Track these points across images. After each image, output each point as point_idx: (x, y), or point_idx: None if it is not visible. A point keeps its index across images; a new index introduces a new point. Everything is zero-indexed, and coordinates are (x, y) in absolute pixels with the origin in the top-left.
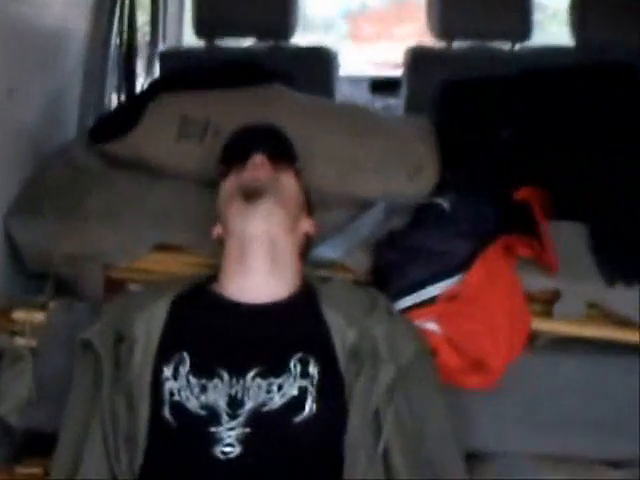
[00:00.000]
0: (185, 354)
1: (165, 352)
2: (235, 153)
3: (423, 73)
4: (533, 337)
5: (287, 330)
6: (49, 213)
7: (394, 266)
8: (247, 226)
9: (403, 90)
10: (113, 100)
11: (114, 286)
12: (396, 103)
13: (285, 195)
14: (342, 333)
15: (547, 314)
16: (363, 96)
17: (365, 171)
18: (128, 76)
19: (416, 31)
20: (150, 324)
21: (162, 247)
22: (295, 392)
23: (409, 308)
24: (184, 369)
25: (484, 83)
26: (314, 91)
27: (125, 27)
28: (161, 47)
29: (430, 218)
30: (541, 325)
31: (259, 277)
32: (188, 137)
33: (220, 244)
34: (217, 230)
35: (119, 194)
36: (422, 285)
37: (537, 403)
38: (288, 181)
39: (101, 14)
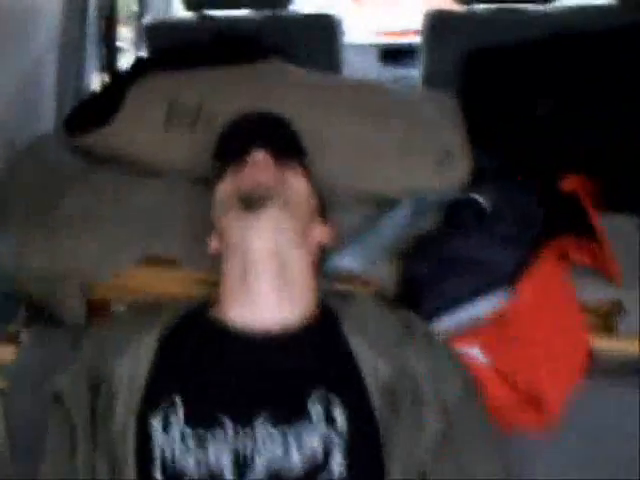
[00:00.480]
0: (177, 398)
1: (153, 398)
2: (231, 149)
3: (444, 40)
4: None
5: (303, 364)
6: (15, 222)
7: (426, 280)
8: (249, 241)
9: (421, 60)
10: (96, 82)
11: (96, 308)
12: (407, 73)
13: (294, 199)
14: (373, 367)
15: (607, 329)
16: (371, 66)
17: (385, 162)
18: (109, 53)
19: None
20: (134, 366)
21: (152, 260)
22: (316, 444)
23: (445, 332)
24: (176, 417)
25: (515, 49)
26: (318, 64)
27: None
28: (147, 19)
29: (467, 219)
30: (601, 344)
31: (267, 301)
32: (177, 125)
33: (218, 260)
34: (213, 243)
35: (98, 197)
36: (460, 303)
37: (601, 442)
38: (297, 181)
39: None
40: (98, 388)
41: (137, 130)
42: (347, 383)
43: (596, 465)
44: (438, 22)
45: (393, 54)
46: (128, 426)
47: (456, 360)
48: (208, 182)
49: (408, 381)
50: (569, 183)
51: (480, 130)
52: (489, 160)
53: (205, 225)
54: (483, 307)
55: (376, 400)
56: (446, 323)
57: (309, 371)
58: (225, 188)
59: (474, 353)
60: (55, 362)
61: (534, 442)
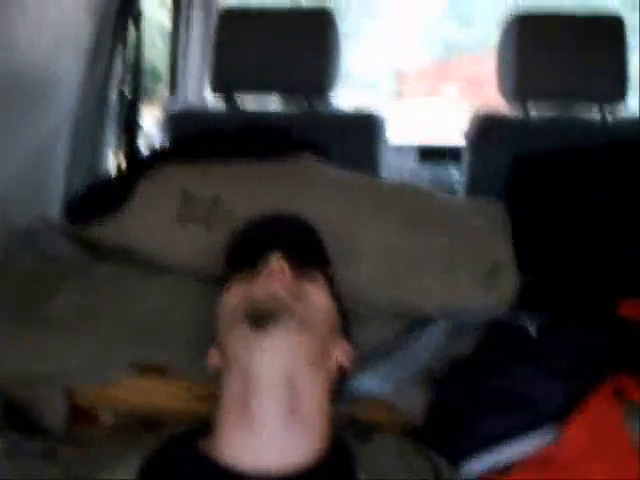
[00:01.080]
0: None
1: None
2: (244, 254)
3: (492, 145)
4: None
5: None
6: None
7: (460, 413)
8: (255, 365)
9: (465, 165)
10: (112, 164)
11: (81, 416)
12: (447, 174)
13: (311, 317)
14: None
15: None
16: (409, 164)
17: (425, 273)
18: (130, 137)
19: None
20: None
21: (144, 369)
22: None
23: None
24: None
25: (570, 157)
26: (355, 164)
27: (128, 75)
28: (174, 106)
29: (511, 347)
30: None
31: (271, 435)
32: (191, 220)
33: (217, 379)
34: (213, 358)
35: (95, 294)
36: (498, 442)
37: None
38: (316, 295)
39: (98, 57)
40: None
41: (145, 223)
42: None
43: None
44: (486, 126)
45: (432, 154)
46: None
47: None
48: (219, 285)
49: None
50: (629, 308)
51: (528, 245)
52: (538, 278)
53: (208, 333)
54: (523, 448)
55: None
56: (479, 465)
57: None
58: (232, 298)
59: None
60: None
61: None
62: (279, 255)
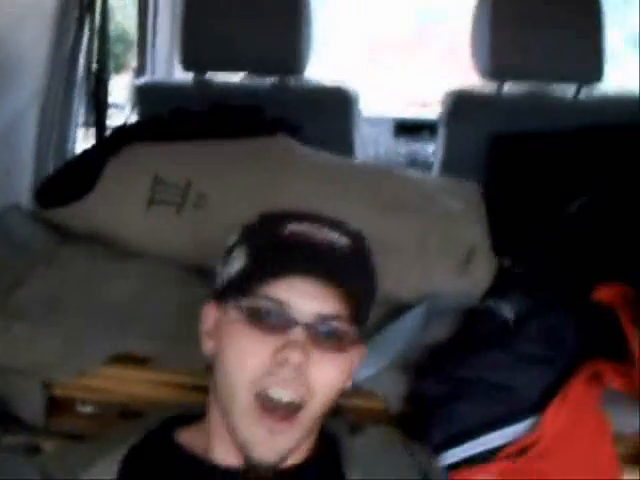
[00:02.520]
0: None
1: None
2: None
3: (466, 123)
4: None
5: None
6: None
7: (438, 403)
8: (255, 448)
9: (440, 143)
10: (82, 143)
11: (59, 407)
12: (423, 149)
13: (319, 403)
14: None
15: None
16: (385, 139)
17: (400, 260)
18: (98, 110)
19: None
20: None
21: (123, 358)
22: None
23: (458, 464)
24: None
25: (545, 139)
26: (329, 139)
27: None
28: (139, 80)
29: (488, 334)
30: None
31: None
32: (161, 204)
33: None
34: (208, 345)
35: (67, 281)
36: (478, 432)
37: None
38: (326, 373)
39: (65, 28)
40: None
41: (115, 208)
42: None
43: None
44: (460, 103)
45: (408, 128)
46: None
47: None
48: (196, 268)
49: None
50: (605, 293)
51: (505, 229)
52: (514, 263)
53: (187, 318)
54: (502, 438)
55: None
56: (460, 454)
57: None
58: (247, 359)
59: None
60: (9, 473)
61: None
62: (303, 334)
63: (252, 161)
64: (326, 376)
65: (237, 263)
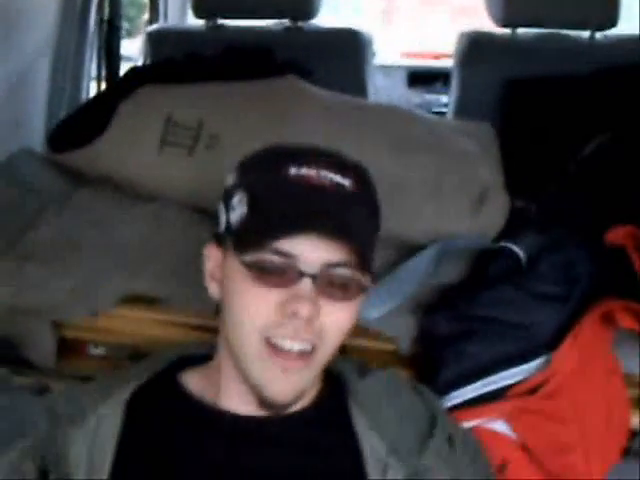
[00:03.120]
0: None
1: None
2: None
3: (480, 66)
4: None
5: (301, 463)
6: None
7: (449, 342)
8: (269, 388)
9: (454, 86)
10: (94, 93)
11: (71, 349)
12: (436, 99)
13: (330, 345)
14: (382, 470)
15: None
16: (398, 89)
17: (413, 201)
18: (110, 62)
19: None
20: (95, 441)
21: (134, 299)
22: None
23: (469, 402)
24: None
25: (560, 82)
26: (341, 85)
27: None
28: (153, 26)
29: (501, 273)
30: None
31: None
32: (174, 146)
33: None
34: (213, 288)
35: (78, 224)
36: (489, 371)
37: None
38: (337, 319)
39: None
40: (48, 473)
41: (127, 150)
42: None
43: None
44: (474, 45)
45: (422, 78)
46: None
47: (482, 466)
48: (206, 211)
49: None
50: (617, 234)
51: (519, 170)
52: (528, 204)
53: (198, 261)
54: (513, 377)
55: None
56: (469, 393)
57: (308, 471)
58: (259, 293)
59: (499, 426)
60: (18, 413)
61: None
62: (311, 286)
63: (263, 101)
64: (336, 322)
65: (238, 211)
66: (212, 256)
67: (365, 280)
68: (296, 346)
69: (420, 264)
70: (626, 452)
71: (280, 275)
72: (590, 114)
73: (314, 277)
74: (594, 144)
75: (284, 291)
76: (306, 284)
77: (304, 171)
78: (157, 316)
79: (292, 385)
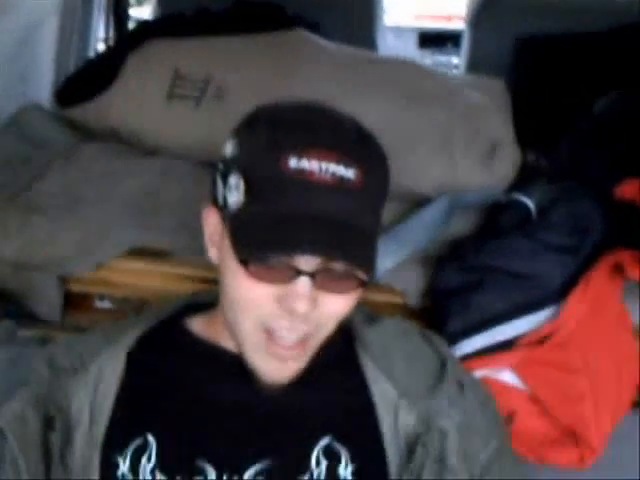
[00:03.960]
0: (151, 438)
1: (120, 434)
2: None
3: (492, 25)
4: None
5: (309, 405)
6: None
7: (458, 292)
8: (265, 374)
9: (465, 46)
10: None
11: (77, 302)
12: (448, 61)
13: (326, 330)
14: (393, 414)
15: None
16: (409, 51)
17: (423, 153)
18: (118, 20)
19: None
20: (97, 390)
21: (140, 252)
22: None
23: (477, 352)
24: (148, 461)
25: (572, 39)
26: (351, 42)
27: None
28: None
29: (511, 224)
30: None
31: None
32: (181, 98)
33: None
34: (214, 254)
35: (85, 177)
36: (498, 321)
37: None
38: (334, 308)
39: None
40: (52, 421)
41: (134, 103)
42: (359, 432)
43: None
44: (486, 4)
45: (433, 39)
46: (91, 465)
47: (492, 412)
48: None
49: (434, 439)
50: (627, 189)
51: (531, 124)
52: (538, 158)
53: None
54: (523, 327)
55: (393, 455)
56: (477, 343)
57: (315, 415)
58: (257, 287)
59: (507, 376)
60: (17, 368)
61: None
62: (309, 284)
63: (272, 54)
64: (334, 312)
65: (235, 195)
66: (211, 220)
67: (365, 275)
68: (294, 337)
69: (430, 217)
70: (636, 405)
71: (277, 272)
72: (603, 71)
73: (312, 275)
74: (606, 99)
75: (282, 287)
76: (304, 282)
77: (305, 164)
78: (163, 269)
79: (288, 371)
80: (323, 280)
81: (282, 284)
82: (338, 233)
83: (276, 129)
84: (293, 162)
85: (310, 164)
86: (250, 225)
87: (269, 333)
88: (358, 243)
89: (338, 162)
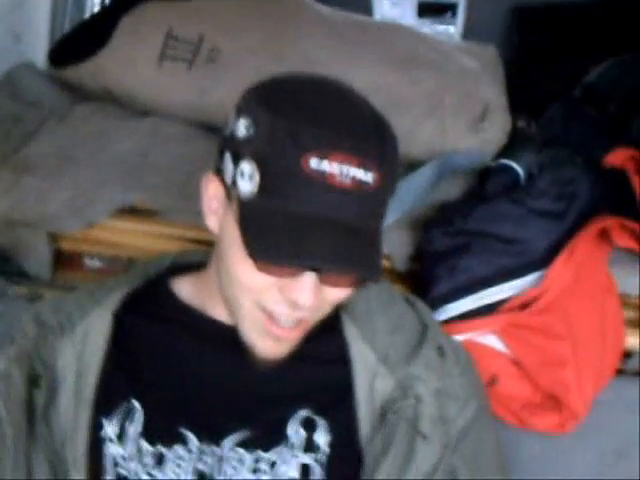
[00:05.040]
0: (136, 404)
1: (106, 397)
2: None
3: None
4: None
5: (291, 376)
6: None
7: (445, 256)
8: (261, 351)
9: (460, 15)
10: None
11: (67, 261)
12: (446, 31)
13: (323, 312)
14: (370, 379)
15: None
16: (407, 20)
17: (413, 116)
18: None
19: None
20: (83, 351)
21: (130, 211)
22: (293, 473)
23: (462, 316)
24: (133, 427)
25: (566, 9)
26: (346, 8)
27: None
28: None
29: (499, 189)
30: (637, 341)
31: None
32: (173, 59)
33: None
34: (212, 223)
35: (76, 137)
36: (484, 284)
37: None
38: (334, 298)
39: None
40: (37, 378)
41: (127, 64)
42: (337, 403)
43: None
44: None
45: (431, 8)
46: (77, 425)
47: (472, 377)
48: (205, 126)
49: (408, 405)
50: (617, 157)
51: (525, 92)
52: (529, 124)
53: (194, 172)
54: (508, 291)
55: (366, 422)
56: (463, 307)
57: (296, 388)
58: (256, 275)
59: (490, 340)
60: (12, 320)
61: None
62: (315, 279)
63: (266, 17)
64: (335, 299)
65: (247, 184)
66: (212, 188)
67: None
68: (291, 321)
69: (419, 180)
70: (620, 372)
71: (285, 268)
72: (600, 40)
73: (319, 270)
74: (600, 68)
75: (286, 279)
76: (310, 277)
77: (326, 166)
78: (153, 228)
79: (283, 349)
80: (328, 276)
81: (287, 277)
82: (354, 242)
83: (298, 121)
84: (314, 162)
85: (331, 167)
86: (264, 223)
87: (268, 314)
88: (371, 254)
89: (359, 166)
